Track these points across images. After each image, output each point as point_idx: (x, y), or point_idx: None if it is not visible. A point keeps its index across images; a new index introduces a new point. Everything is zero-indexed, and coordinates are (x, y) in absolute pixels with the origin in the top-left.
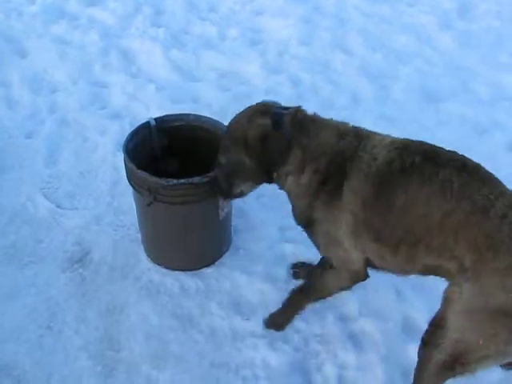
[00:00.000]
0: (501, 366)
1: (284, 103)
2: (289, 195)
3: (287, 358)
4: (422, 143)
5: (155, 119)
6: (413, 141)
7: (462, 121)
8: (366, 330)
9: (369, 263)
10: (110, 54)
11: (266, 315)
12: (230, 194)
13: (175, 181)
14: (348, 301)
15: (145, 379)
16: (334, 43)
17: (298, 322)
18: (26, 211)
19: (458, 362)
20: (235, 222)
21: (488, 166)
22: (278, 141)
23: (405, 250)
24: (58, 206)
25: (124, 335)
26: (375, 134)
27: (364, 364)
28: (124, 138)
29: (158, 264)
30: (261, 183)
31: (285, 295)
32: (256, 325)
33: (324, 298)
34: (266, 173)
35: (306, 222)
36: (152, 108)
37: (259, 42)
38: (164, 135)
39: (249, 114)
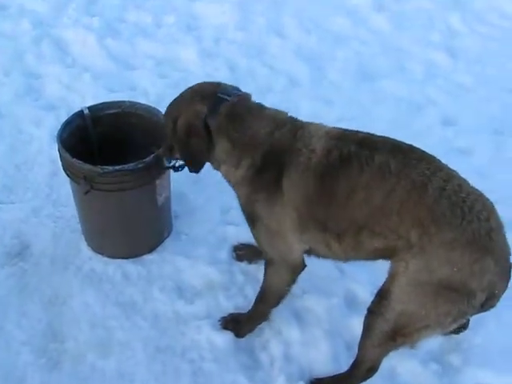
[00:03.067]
0: None
1: None
2: (228, 182)
3: (232, 338)
4: (355, 132)
5: (88, 107)
6: (346, 130)
7: (397, 99)
8: (310, 307)
9: (312, 252)
10: (43, 44)
11: (211, 299)
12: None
13: (111, 168)
14: None
15: (90, 368)
16: (269, 27)
17: (240, 302)
18: None
19: (400, 333)
20: (175, 207)
21: (424, 142)
22: (201, 134)
23: (351, 238)
24: None
25: (67, 326)
26: (310, 123)
27: (308, 340)
28: None
29: (100, 253)
30: None
31: (228, 278)
32: (199, 308)
33: (278, 298)
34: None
35: (248, 215)
36: (88, 98)
37: (195, 28)
38: (98, 123)
39: (191, 94)
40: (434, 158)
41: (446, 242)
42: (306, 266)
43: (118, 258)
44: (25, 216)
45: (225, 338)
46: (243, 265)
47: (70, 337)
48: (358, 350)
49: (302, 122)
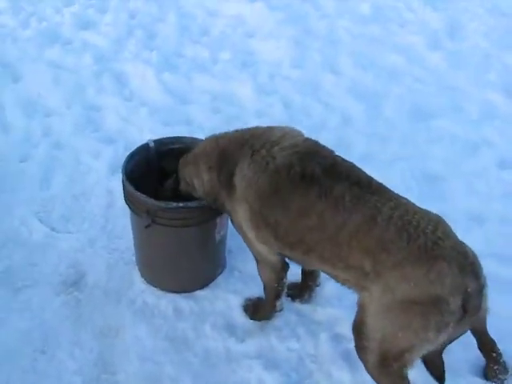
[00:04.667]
0: None
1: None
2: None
3: (282, 379)
4: (322, 153)
5: (154, 141)
6: (314, 145)
7: (452, 139)
8: None
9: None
10: (104, 78)
11: (262, 338)
12: None
13: (174, 204)
14: (341, 320)
15: None
16: (324, 64)
17: (291, 343)
18: (19, 235)
19: (390, 359)
20: (229, 242)
21: (480, 184)
22: None
23: (300, 254)
24: (53, 230)
25: (119, 358)
26: (273, 128)
27: (359, 383)
28: (117, 162)
29: (153, 285)
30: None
31: (280, 317)
32: (250, 347)
33: (273, 292)
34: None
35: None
36: (145, 131)
37: (251, 64)
38: (162, 157)
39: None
40: (389, 190)
41: (396, 263)
42: (288, 266)
43: (172, 291)
44: (81, 246)
45: (275, 379)
46: (296, 304)
47: (121, 369)
48: None
49: (262, 127)
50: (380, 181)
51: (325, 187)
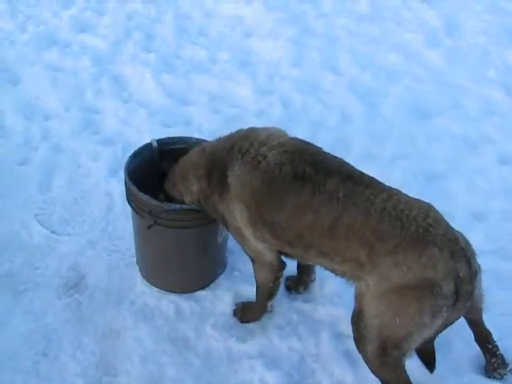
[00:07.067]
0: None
1: (275, 125)
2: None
3: (284, 379)
4: (310, 150)
5: (157, 141)
6: (301, 144)
7: (452, 136)
8: None
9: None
10: (102, 80)
11: (263, 338)
12: None
13: (177, 206)
14: (342, 319)
15: None
16: (323, 63)
17: (293, 342)
18: (20, 238)
19: (389, 347)
20: (230, 243)
21: (480, 180)
22: None
23: (302, 251)
24: (53, 232)
25: (120, 360)
26: (256, 129)
27: (361, 382)
28: (116, 164)
29: (154, 286)
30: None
31: (282, 316)
32: (252, 346)
33: (267, 292)
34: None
35: (223, 222)
36: (144, 132)
37: (249, 64)
38: (164, 157)
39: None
40: (380, 183)
41: (389, 250)
42: (285, 265)
43: (172, 292)
44: (81, 248)
45: (277, 379)
46: (297, 303)
47: (123, 371)
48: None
49: (245, 129)
50: (380, 179)
51: (318, 183)
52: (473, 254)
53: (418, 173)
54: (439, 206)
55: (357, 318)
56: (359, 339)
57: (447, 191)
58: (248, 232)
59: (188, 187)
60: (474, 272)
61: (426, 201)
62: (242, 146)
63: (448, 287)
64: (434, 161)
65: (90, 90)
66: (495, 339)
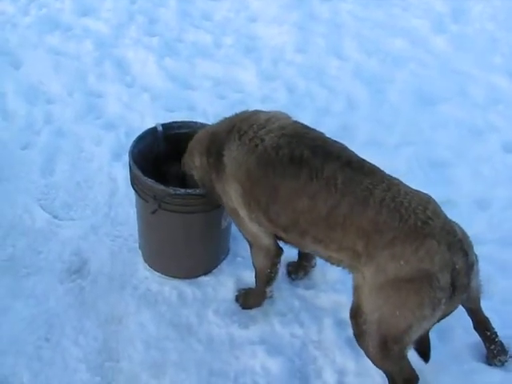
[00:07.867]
0: None
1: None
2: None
3: (286, 365)
4: (310, 134)
5: (162, 125)
6: (302, 128)
7: (457, 123)
8: None
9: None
10: (105, 64)
11: (265, 324)
12: None
13: (182, 190)
14: (345, 306)
15: None
16: (328, 49)
17: (295, 328)
18: (22, 223)
19: (390, 342)
20: (234, 229)
21: (485, 168)
22: None
23: (297, 236)
24: (55, 217)
25: (123, 345)
26: (259, 112)
27: (363, 369)
28: (119, 148)
29: (157, 271)
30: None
31: (284, 303)
32: (254, 332)
33: (266, 278)
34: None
35: (220, 202)
36: (147, 117)
37: (254, 49)
38: (169, 141)
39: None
40: (381, 171)
41: (387, 242)
42: (282, 251)
43: (175, 277)
44: (84, 233)
45: (279, 365)
46: (299, 290)
47: (125, 356)
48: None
49: (249, 111)
50: (385, 166)
51: (315, 168)
52: (470, 245)
53: (423, 160)
54: (443, 192)
55: (355, 314)
56: (359, 335)
57: (451, 178)
58: (243, 213)
59: (194, 161)
60: (470, 264)
61: (431, 188)
62: (242, 128)
63: (445, 280)
64: (439, 148)
65: (92, 74)
66: (497, 327)
